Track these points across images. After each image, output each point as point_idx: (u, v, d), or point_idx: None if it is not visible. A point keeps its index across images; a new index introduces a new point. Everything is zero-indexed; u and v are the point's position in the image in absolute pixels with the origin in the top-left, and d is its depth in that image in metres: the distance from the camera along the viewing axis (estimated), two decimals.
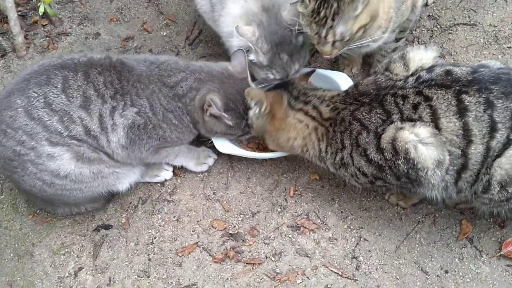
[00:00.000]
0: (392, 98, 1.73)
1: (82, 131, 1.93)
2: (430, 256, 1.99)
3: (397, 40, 2.27)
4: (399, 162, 1.68)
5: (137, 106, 1.99)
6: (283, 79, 2.18)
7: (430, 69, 1.75)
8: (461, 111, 1.63)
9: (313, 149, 1.95)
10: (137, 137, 2.02)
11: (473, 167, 1.67)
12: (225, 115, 2.03)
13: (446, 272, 1.95)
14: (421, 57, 1.80)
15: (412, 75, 1.77)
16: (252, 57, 2.13)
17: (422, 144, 1.64)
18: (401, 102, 1.71)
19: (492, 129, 1.62)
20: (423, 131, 1.64)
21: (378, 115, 1.74)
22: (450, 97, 1.65)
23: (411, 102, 1.70)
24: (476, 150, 1.64)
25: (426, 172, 1.67)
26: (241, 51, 2.09)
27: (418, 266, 1.97)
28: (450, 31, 2.55)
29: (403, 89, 1.74)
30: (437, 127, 1.65)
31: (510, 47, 2.44)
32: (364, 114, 1.77)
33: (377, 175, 1.79)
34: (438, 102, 1.66)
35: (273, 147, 2.09)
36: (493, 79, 1.65)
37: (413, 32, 2.56)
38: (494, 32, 2.50)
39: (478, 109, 1.62)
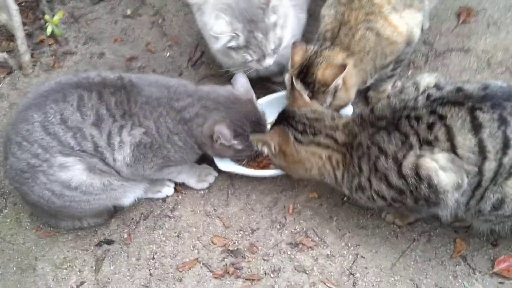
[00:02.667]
0: (407, 121, 1.74)
1: (92, 147, 1.99)
2: (425, 273, 2.03)
3: (393, 69, 2.36)
4: (422, 187, 1.70)
5: (144, 127, 2.05)
6: (260, 60, 2.23)
7: (436, 86, 1.79)
8: (476, 127, 1.65)
9: (329, 177, 1.97)
10: (143, 156, 2.07)
11: (485, 184, 1.70)
12: (235, 142, 2.08)
13: None
14: (426, 77, 1.86)
15: (422, 93, 1.80)
16: (231, 43, 2.19)
17: (442, 170, 1.66)
18: (416, 124, 1.72)
19: (506, 145, 1.64)
20: (441, 157, 1.66)
21: (396, 139, 1.75)
22: (464, 114, 1.67)
23: (425, 122, 1.71)
24: (490, 167, 1.66)
25: (446, 195, 1.70)
26: (241, 73, 2.16)
27: (414, 283, 2.01)
28: (445, 56, 2.64)
29: (415, 109, 1.75)
30: (453, 145, 1.66)
31: (502, 73, 2.52)
32: (383, 138, 1.77)
33: (396, 199, 1.81)
34: (453, 120, 1.67)
35: (296, 177, 2.12)
36: (506, 96, 1.68)
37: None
38: (487, 57, 2.59)
39: (492, 125, 1.64)
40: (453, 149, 1.67)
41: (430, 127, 1.70)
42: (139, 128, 2.04)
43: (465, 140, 1.66)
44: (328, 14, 2.23)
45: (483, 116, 1.66)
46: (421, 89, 1.83)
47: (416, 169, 1.69)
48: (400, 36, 2.18)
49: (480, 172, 1.68)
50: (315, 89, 2.11)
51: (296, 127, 1.96)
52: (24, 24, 2.80)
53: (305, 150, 1.94)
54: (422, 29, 2.69)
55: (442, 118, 1.69)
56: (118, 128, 2.01)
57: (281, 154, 1.98)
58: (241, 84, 2.15)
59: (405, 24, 2.19)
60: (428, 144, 1.70)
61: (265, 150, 2.00)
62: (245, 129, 2.10)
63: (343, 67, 2.04)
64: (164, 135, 2.07)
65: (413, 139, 1.72)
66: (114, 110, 2.00)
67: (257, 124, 2.13)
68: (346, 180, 1.92)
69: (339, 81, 2.07)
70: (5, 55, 2.76)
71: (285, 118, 2.01)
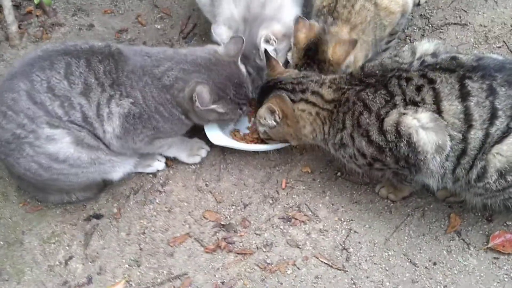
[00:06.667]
0: (397, 81, 1.77)
1: (81, 118, 1.94)
2: (419, 248, 2.01)
3: (388, 42, 2.33)
4: (401, 145, 1.72)
5: (132, 97, 2.00)
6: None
7: (433, 54, 1.81)
8: (464, 95, 1.67)
9: (320, 133, 1.98)
10: (132, 127, 2.02)
11: (471, 152, 1.70)
12: (214, 106, 2.02)
13: (435, 264, 1.98)
14: (425, 44, 1.86)
15: (417, 59, 1.81)
16: None
17: (422, 129, 1.68)
18: (405, 84, 1.75)
19: (493, 115, 1.65)
20: (424, 116, 1.68)
21: (381, 96, 1.77)
22: (453, 81, 1.69)
23: (414, 84, 1.73)
24: (476, 135, 1.67)
25: (425, 156, 1.71)
26: (241, 38, 2.09)
27: (407, 258, 2.00)
28: (442, 30, 2.60)
29: (407, 72, 1.78)
30: (438, 109, 1.68)
31: (499, 47, 2.49)
32: (369, 95, 1.80)
33: (376, 157, 1.82)
34: (441, 86, 1.69)
35: (295, 143, 2.12)
36: (498, 67, 1.69)
37: (405, 30, 2.60)
38: (484, 32, 2.55)
39: (480, 95, 1.66)
40: (438, 113, 1.69)
41: (419, 89, 1.73)
42: (127, 98, 1.99)
43: (451, 106, 1.68)
44: None
45: (472, 85, 1.68)
46: (418, 55, 1.84)
47: (397, 125, 1.71)
48: (397, 5, 2.15)
49: (465, 140, 1.69)
50: (326, 67, 2.07)
51: (286, 87, 1.99)
52: None
53: (297, 108, 1.96)
54: (419, 3, 2.66)
55: (431, 82, 1.72)
56: (106, 99, 1.96)
57: (284, 119, 1.98)
58: (236, 46, 2.06)
59: None
60: (414, 104, 1.71)
61: (270, 122, 2.00)
62: (227, 92, 2.04)
63: (353, 42, 1.99)
64: (151, 105, 2.02)
65: (398, 99, 1.74)
66: (102, 79, 1.95)
67: (240, 86, 2.07)
68: (331, 135, 1.94)
69: (351, 58, 2.02)
70: None
71: (271, 87, 2.03)
